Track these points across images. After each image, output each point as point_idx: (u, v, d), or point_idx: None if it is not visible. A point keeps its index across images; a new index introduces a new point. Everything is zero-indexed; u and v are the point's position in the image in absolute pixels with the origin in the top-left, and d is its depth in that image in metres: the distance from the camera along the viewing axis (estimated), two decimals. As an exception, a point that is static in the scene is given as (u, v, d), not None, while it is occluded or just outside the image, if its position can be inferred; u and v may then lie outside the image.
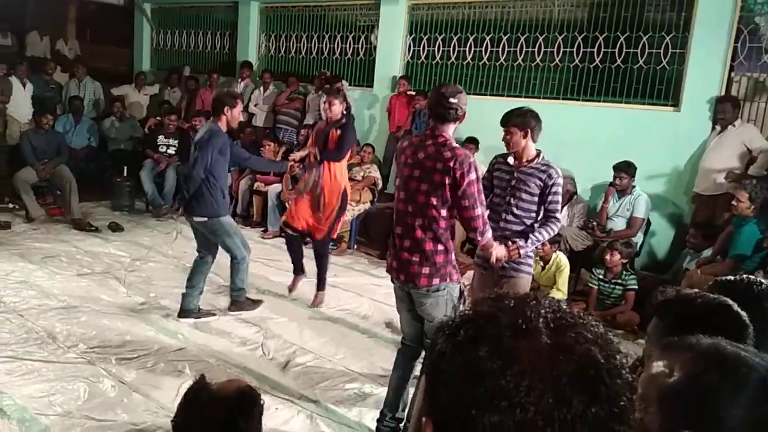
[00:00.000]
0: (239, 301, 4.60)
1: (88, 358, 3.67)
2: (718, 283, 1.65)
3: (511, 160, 3.45)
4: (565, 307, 0.74)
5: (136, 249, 6.06)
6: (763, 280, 1.66)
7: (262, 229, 7.11)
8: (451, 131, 2.91)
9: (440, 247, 2.85)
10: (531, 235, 3.34)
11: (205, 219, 4.27)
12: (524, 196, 3.35)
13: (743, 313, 1.41)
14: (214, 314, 4.52)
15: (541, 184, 3.33)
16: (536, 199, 3.35)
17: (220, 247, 4.47)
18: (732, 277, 1.68)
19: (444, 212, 2.84)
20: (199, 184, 4.19)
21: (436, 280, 2.86)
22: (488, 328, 0.71)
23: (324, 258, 4.91)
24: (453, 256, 2.94)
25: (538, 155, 3.39)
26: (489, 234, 2.99)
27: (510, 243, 3.29)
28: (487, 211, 2.97)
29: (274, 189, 7.02)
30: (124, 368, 3.58)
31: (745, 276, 1.67)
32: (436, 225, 2.84)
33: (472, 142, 6.64)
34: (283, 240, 6.30)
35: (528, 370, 0.66)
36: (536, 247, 3.65)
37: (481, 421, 0.67)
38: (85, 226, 6.57)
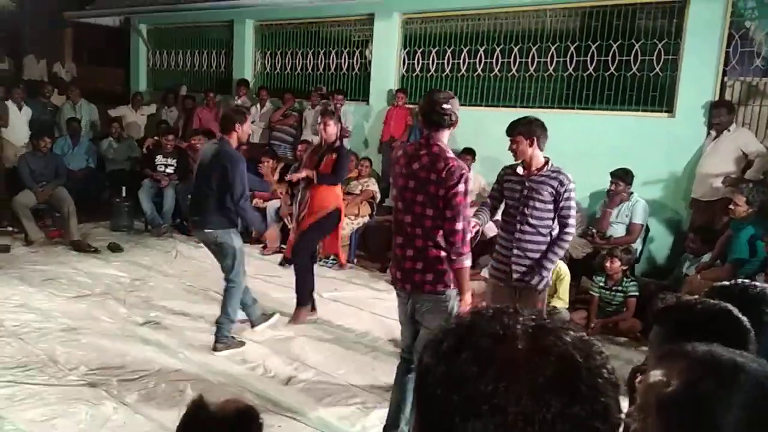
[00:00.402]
0: (226, 336, 4.27)
1: (90, 380, 3.66)
2: (714, 289, 1.66)
3: (520, 170, 3.47)
4: (544, 315, 0.76)
5: (135, 269, 6.05)
6: (757, 284, 1.67)
7: (262, 245, 7.11)
8: (446, 138, 2.89)
9: (442, 254, 2.84)
10: (542, 260, 3.40)
11: (215, 231, 4.21)
12: (538, 204, 3.37)
13: (744, 318, 1.41)
14: (244, 343, 4.39)
15: (554, 192, 3.35)
16: (551, 206, 3.37)
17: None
18: (727, 283, 1.69)
19: (442, 222, 2.84)
20: (210, 197, 4.15)
21: (440, 286, 2.86)
22: (468, 337, 0.72)
23: (303, 273, 4.81)
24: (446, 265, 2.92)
25: (546, 163, 3.42)
26: (466, 260, 2.81)
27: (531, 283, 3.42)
28: (469, 233, 2.86)
29: (273, 205, 7.03)
30: (126, 390, 3.56)
31: (739, 281, 1.68)
32: (435, 233, 2.83)
33: (469, 153, 6.67)
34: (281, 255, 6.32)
35: (505, 374, 0.68)
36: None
37: (464, 429, 0.67)
38: (84, 248, 6.57)
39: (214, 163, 4.18)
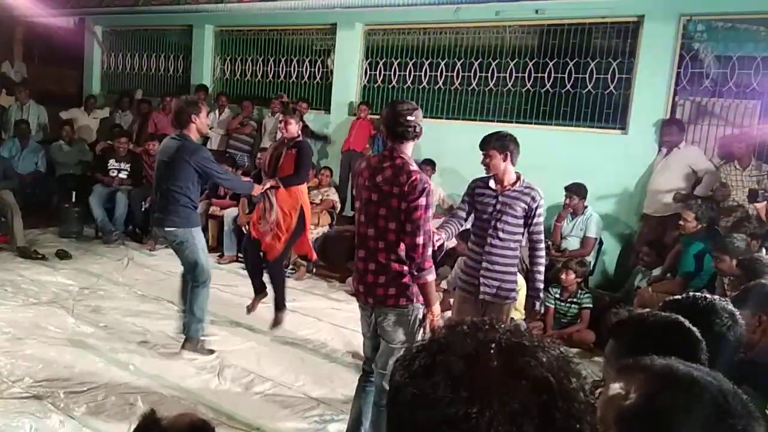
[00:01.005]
0: (194, 337, 4.24)
1: (35, 392, 3.50)
2: (666, 303, 1.71)
3: (492, 184, 3.49)
4: (522, 330, 0.74)
5: (84, 277, 5.85)
6: (706, 296, 1.73)
7: (218, 254, 6.98)
8: (410, 150, 2.87)
9: (405, 268, 2.81)
10: (535, 285, 3.54)
11: (176, 229, 4.10)
12: (510, 219, 3.41)
13: (694, 329, 1.45)
14: (214, 351, 4.31)
15: (526, 207, 3.41)
16: (521, 222, 3.43)
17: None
18: (678, 297, 1.74)
19: (403, 235, 2.82)
20: (172, 195, 4.05)
21: (402, 300, 2.84)
22: (440, 356, 0.71)
23: (279, 278, 4.73)
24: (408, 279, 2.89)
25: (518, 178, 3.47)
26: (429, 275, 2.76)
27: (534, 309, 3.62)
28: (431, 248, 2.81)
29: (230, 213, 6.92)
30: (73, 402, 3.43)
31: (690, 294, 1.74)
32: (398, 247, 2.81)
33: (429, 164, 6.71)
34: (241, 264, 6.21)
35: (477, 397, 0.66)
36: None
37: None
38: (31, 254, 6.33)
39: (177, 160, 4.04)
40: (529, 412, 0.66)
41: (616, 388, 1.05)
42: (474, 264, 3.51)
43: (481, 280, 3.47)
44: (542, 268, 3.54)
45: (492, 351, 0.70)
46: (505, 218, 3.41)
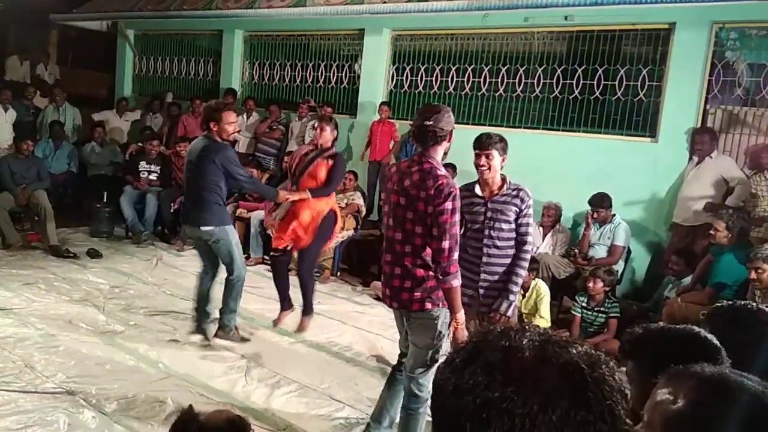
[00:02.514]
0: (228, 326, 4.42)
1: (67, 388, 3.58)
2: (711, 312, 1.70)
3: (478, 190, 3.40)
4: (551, 332, 0.79)
5: (115, 276, 5.96)
6: (751, 303, 1.73)
7: (245, 255, 7.04)
8: (439, 155, 2.85)
9: (431, 272, 2.81)
10: (509, 287, 3.32)
11: (213, 228, 4.20)
12: (504, 226, 3.33)
13: (711, 337, 1.45)
14: (249, 340, 4.53)
15: (518, 210, 3.33)
16: (514, 225, 3.34)
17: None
18: (722, 305, 1.74)
19: (429, 240, 2.81)
20: (204, 194, 4.14)
21: (428, 305, 2.83)
22: (477, 352, 0.76)
23: (309, 284, 4.75)
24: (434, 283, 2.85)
25: (504, 180, 3.39)
26: (454, 280, 2.72)
27: (492, 313, 3.32)
28: (457, 252, 2.76)
29: (257, 215, 6.98)
30: (104, 399, 3.49)
31: (735, 302, 1.74)
32: (424, 252, 2.81)
33: (449, 167, 6.71)
34: (267, 267, 6.26)
35: (512, 380, 0.71)
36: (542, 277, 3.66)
37: None
38: (62, 253, 6.46)
39: (203, 158, 4.14)
40: (561, 392, 0.70)
41: (664, 392, 1.06)
42: (471, 275, 3.36)
43: (481, 291, 3.38)
44: (523, 272, 3.38)
45: (524, 344, 0.75)
46: (498, 225, 3.32)
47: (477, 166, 3.35)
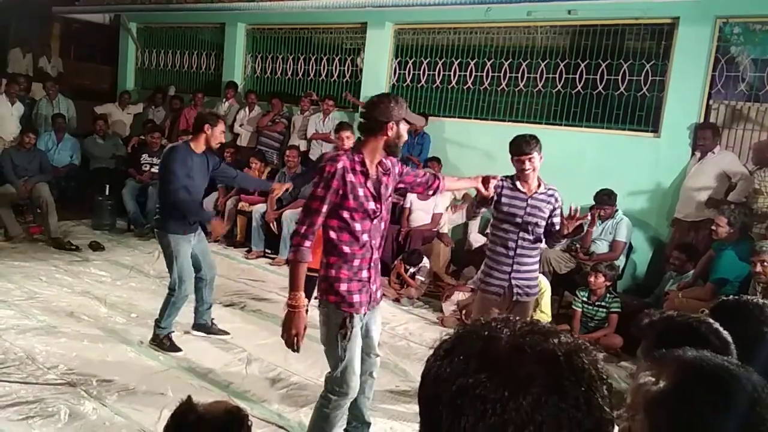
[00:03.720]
0: (158, 335, 4.21)
1: (69, 379, 3.60)
2: (715, 306, 1.71)
3: (520, 186, 3.48)
4: (539, 324, 0.79)
5: (117, 269, 5.98)
6: (754, 298, 1.74)
7: (246, 249, 7.07)
8: (370, 147, 2.65)
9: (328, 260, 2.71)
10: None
11: (158, 232, 4.20)
12: (540, 222, 3.47)
13: (723, 331, 1.46)
14: (228, 333, 4.49)
15: (551, 208, 3.49)
16: (545, 222, 3.49)
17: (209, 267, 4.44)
18: (726, 299, 1.75)
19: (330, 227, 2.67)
20: (162, 199, 4.17)
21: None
22: (459, 340, 0.78)
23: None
24: (336, 274, 2.67)
25: (539, 181, 3.51)
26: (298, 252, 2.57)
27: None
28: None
29: (259, 209, 7.00)
30: (105, 390, 3.51)
31: (740, 296, 1.74)
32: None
33: (434, 160, 6.79)
34: (269, 260, 6.30)
35: (486, 367, 0.72)
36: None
37: (451, 422, 0.71)
38: (65, 245, 6.48)
39: (160, 165, 4.20)
40: (534, 379, 0.70)
41: (646, 375, 1.07)
42: (504, 267, 3.50)
43: (513, 282, 3.49)
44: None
45: (504, 333, 0.76)
46: (535, 221, 3.45)
47: (521, 170, 3.41)
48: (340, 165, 2.57)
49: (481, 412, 0.69)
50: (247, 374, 3.95)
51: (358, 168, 2.61)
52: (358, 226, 2.63)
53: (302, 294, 2.64)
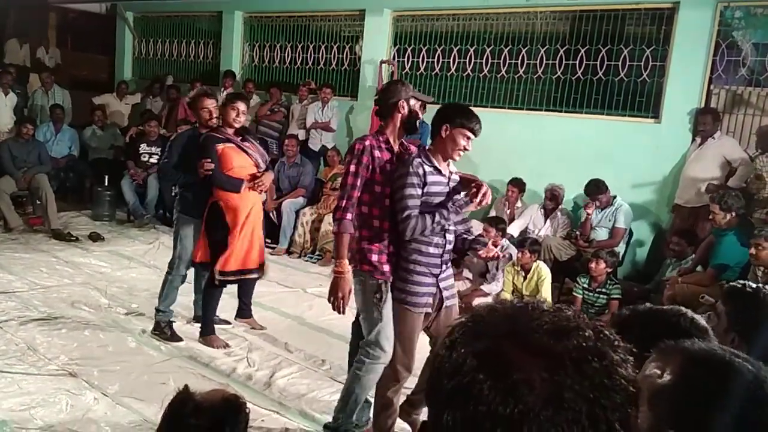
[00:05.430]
0: (158, 323, 4.24)
1: (70, 370, 3.60)
2: (726, 290, 1.71)
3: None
4: (561, 312, 0.74)
5: (117, 259, 5.98)
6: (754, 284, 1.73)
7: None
8: (390, 128, 2.92)
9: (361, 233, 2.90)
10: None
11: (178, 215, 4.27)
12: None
13: (698, 317, 1.45)
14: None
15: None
16: None
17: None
18: (735, 284, 1.75)
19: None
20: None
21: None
22: (462, 332, 0.74)
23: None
24: (368, 246, 2.85)
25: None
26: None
27: None
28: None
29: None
30: (107, 381, 3.51)
31: (743, 282, 1.74)
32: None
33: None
34: (268, 251, 6.29)
35: (483, 368, 0.68)
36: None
37: (443, 419, 0.69)
38: (64, 236, 6.48)
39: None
40: (534, 388, 0.65)
41: (651, 367, 1.06)
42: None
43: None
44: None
45: (512, 327, 0.71)
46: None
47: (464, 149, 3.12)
48: (367, 143, 2.84)
49: (471, 413, 0.66)
50: (249, 363, 3.96)
51: (383, 146, 2.88)
52: (387, 201, 2.83)
53: (347, 261, 2.86)
